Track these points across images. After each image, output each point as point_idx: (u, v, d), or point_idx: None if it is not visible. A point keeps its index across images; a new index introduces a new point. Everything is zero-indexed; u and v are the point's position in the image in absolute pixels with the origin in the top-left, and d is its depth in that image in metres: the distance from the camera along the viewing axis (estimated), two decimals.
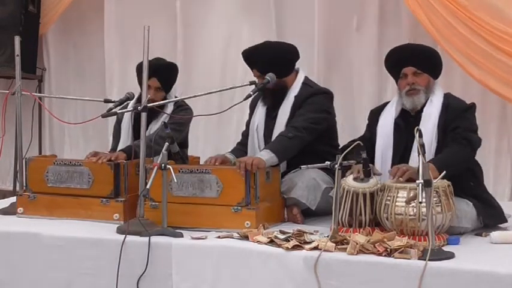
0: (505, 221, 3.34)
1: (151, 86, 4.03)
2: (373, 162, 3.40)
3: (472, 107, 3.44)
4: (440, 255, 2.70)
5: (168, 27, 5.50)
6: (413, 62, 3.46)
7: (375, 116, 3.62)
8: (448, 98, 3.47)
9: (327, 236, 2.97)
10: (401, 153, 3.38)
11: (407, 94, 3.44)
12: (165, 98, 4.07)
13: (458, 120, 3.34)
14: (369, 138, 3.54)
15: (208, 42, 5.43)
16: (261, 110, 3.90)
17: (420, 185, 2.72)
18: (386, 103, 3.64)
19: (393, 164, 3.33)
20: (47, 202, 3.63)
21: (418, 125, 3.18)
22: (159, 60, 4.13)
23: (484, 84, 4.41)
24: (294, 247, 2.88)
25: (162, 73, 4.12)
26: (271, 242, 2.98)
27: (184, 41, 5.47)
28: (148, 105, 3.43)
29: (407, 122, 3.42)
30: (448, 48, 4.43)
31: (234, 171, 3.34)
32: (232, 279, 2.96)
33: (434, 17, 4.46)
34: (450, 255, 2.72)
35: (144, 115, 3.39)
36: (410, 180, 3.03)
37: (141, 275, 3.06)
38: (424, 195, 2.73)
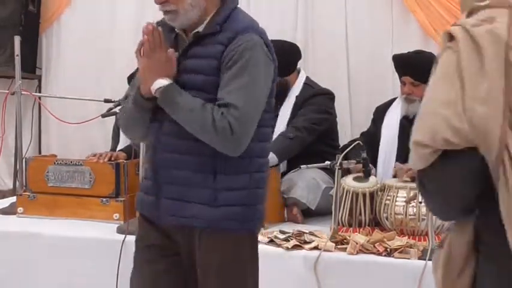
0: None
1: None
2: (375, 159, 3.40)
3: None
4: None
5: None
6: (410, 72, 3.47)
7: (381, 113, 3.63)
8: None
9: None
10: (405, 156, 3.38)
11: (405, 100, 3.48)
12: None
13: None
14: (373, 133, 3.56)
15: None
16: None
17: None
18: (393, 100, 3.65)
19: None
20: (47, 202, 3.63)
21: None
22: None
23: None
24: (294, 247, 2.89)
25: None
26: (271, 241, 2.98)
27: None
28: None
29: (412, 124, 3.41)
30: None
31: None
32: None
33: (429, 12, 4.44)
34: None
35: None
36: (411, 178, 3.03)
37: None
38: None
